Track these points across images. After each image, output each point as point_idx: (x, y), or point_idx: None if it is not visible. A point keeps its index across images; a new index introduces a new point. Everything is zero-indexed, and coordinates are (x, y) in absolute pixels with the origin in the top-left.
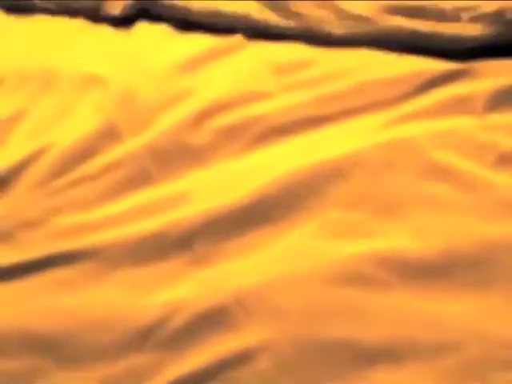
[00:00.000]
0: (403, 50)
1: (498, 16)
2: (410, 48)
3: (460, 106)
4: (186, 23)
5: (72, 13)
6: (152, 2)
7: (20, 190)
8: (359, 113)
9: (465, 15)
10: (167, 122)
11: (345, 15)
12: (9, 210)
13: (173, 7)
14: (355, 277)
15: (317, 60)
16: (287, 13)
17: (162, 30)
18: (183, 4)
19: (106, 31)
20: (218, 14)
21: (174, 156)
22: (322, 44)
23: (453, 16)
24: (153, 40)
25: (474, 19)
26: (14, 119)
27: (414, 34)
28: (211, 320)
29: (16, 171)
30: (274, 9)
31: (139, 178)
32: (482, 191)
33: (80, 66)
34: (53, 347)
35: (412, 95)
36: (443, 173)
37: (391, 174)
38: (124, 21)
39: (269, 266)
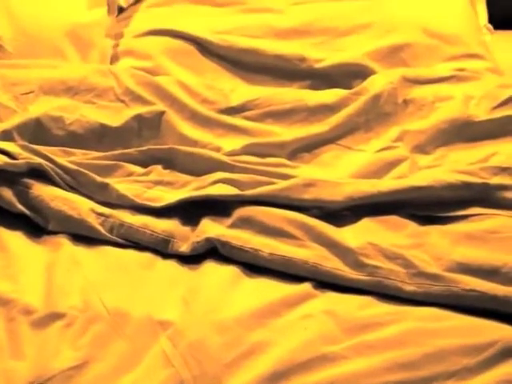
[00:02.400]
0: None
1: None
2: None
3: None
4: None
5: (140, 247)
6: (222, 242)
7: None
8: None
9: None
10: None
11: (417, 272)
12: None
13: (242, 249)
14: None
15: (388, 321)
16: (358, 264)
17: (231, 271)
18: (253, 248)
19: (174, 268)
20: (287, 263)
21: None
22: (391, 298)
23: None
24: (222, 282)
25: None
26: (79, 368)
27: (486, 297)
28: None
29: None
30: (343, 259)
31: None
32: None
33: (150, 311)
34: None
35: (487, 364)
36: None
37: None
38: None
39: None
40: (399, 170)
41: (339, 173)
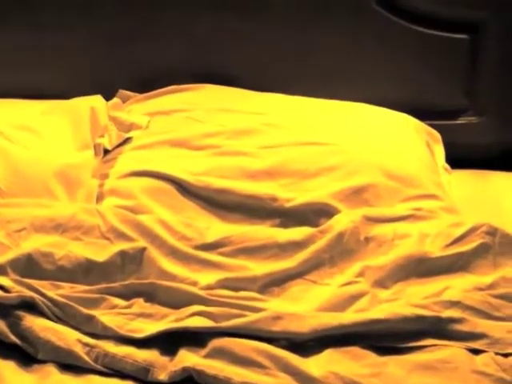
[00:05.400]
0: None
1: None
2: None
3: None
4: None
5: (123, 375)
6: (197, 371)
7: None
8: None
9: None
10: None
11: None
12: None
13: (215, 378)
14: None
15: None
16: None
17: None
18: (225, 377)
19: None
20: None
21: None
22: None
23: None
24: None
25: None
26: None
27: None
28: None
29: None
30: None
31: None
32: None
33: None
34: None
35: None
36: None
37: None
38: None
39: None
40: (360, 304)
41: (306, 306)
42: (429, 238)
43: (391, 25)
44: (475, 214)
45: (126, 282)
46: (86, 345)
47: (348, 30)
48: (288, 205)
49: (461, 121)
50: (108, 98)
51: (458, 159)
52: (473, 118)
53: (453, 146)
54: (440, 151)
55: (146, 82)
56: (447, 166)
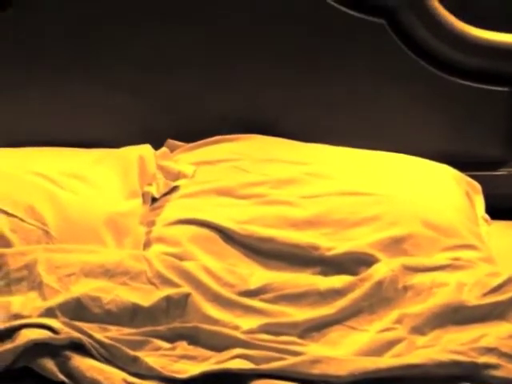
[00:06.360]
0: None
1: None
2: None
3: None
4: None
5: None
6: None
7: None
8: None
9: None
10: None
11: None
12: None
13: None
14: None
15: None
16: None
17: None
18: None
19: None
20: None
21: None
22: None
23: None
24: None
25: None
26: None
27: None
28: None
29: None
30: None
31: None
32: None
33: None
34: None
35: None
36: None
37: None
38: None
39: None
40: (397, 349)
41: (345, 350)
42: (466, 287)
43: (433, 78)
44: None
45: (171, 326)
46: None
47: (392, 82)
48: (329, 253)
49: (501, 172)
50: (156, 147)
51: (498, 210)
52: None
53: (493, 197)
54: (480, 202)
55: (194, 133)
56: (487, 216)
